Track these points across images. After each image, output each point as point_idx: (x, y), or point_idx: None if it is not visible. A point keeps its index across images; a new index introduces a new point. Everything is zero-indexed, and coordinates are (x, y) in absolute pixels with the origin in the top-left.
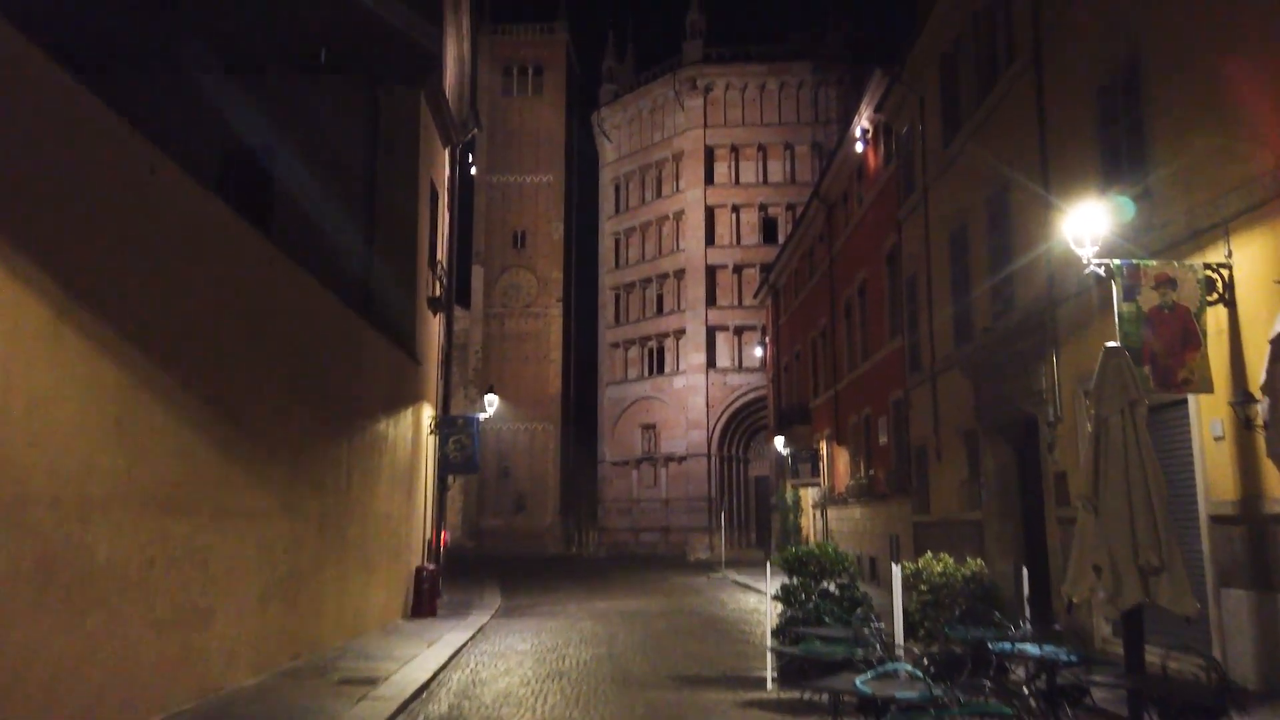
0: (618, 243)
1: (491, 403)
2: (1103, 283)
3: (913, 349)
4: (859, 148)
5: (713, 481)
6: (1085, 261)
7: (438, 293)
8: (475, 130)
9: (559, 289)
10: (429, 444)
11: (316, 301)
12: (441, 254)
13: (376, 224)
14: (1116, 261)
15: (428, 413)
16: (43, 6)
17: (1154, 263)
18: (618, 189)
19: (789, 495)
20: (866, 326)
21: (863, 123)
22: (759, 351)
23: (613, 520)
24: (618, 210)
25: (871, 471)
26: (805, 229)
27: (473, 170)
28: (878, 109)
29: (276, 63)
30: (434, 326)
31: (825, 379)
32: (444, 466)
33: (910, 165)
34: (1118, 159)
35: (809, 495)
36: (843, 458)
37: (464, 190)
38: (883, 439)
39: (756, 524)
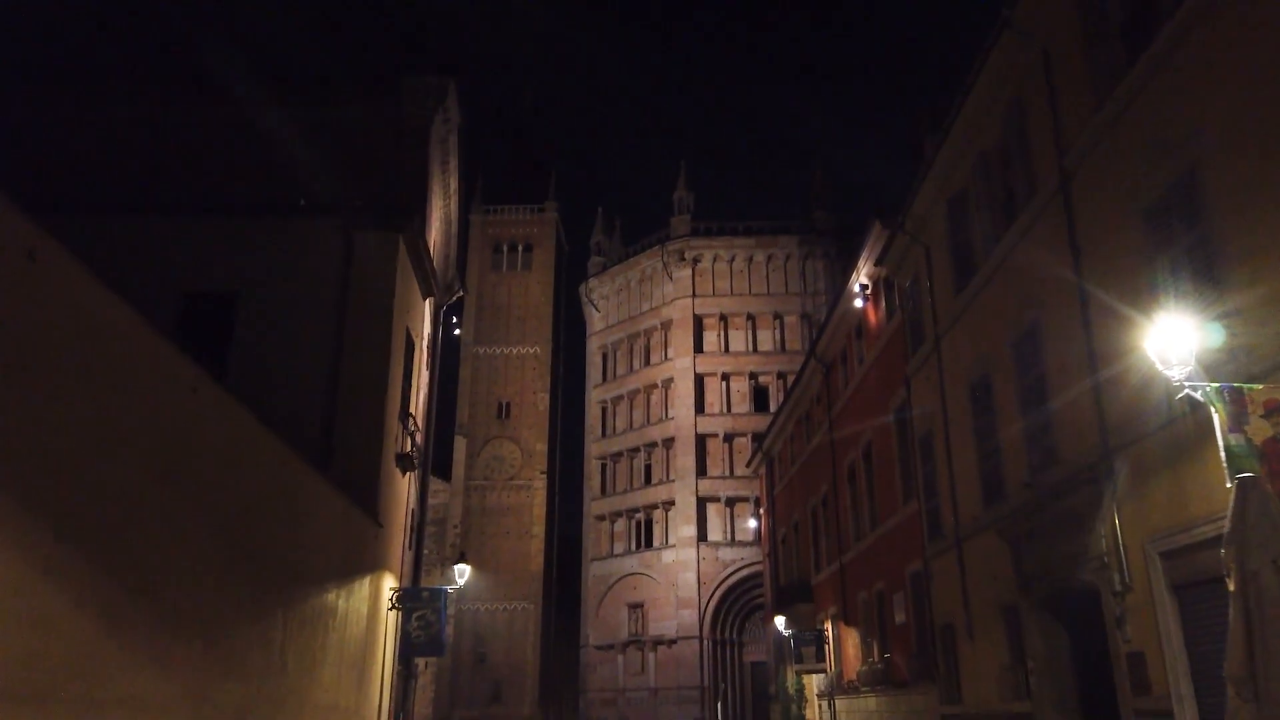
0: (605, 411)
1: (462, 573)
2: (1186, 417)
3: (931, 513)
4: (858, 303)
5: (705, 668)
6: (1178, 383)
7: (409, 449)
8: (460, 293)
9: (543, 461)
10: (389, 620)
11: (255, 443)
12: (417, 409)
13: (342, 370)
14: (1215, 385)
15: (389, 584)
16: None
17: (1260, 386)
18: (605, 358)
19: (791, 683)
20: (874, 492)
21: (861, 278)
22: (753, 523)
23: (596, 712)
24: (605, 379)
25: (887, 655)
26: (801, 391)
27: (456, 331)
28: (878, 262)
29: (250, 204)
30: (403, 487)
31: (829, 551)
32: (405, 647)
33: (918, 317)
34: (1178, 282)
35: (814, 683)
36: (852, 639)
37: (449, 358)
38: (899, 617)
39: (754, 716)
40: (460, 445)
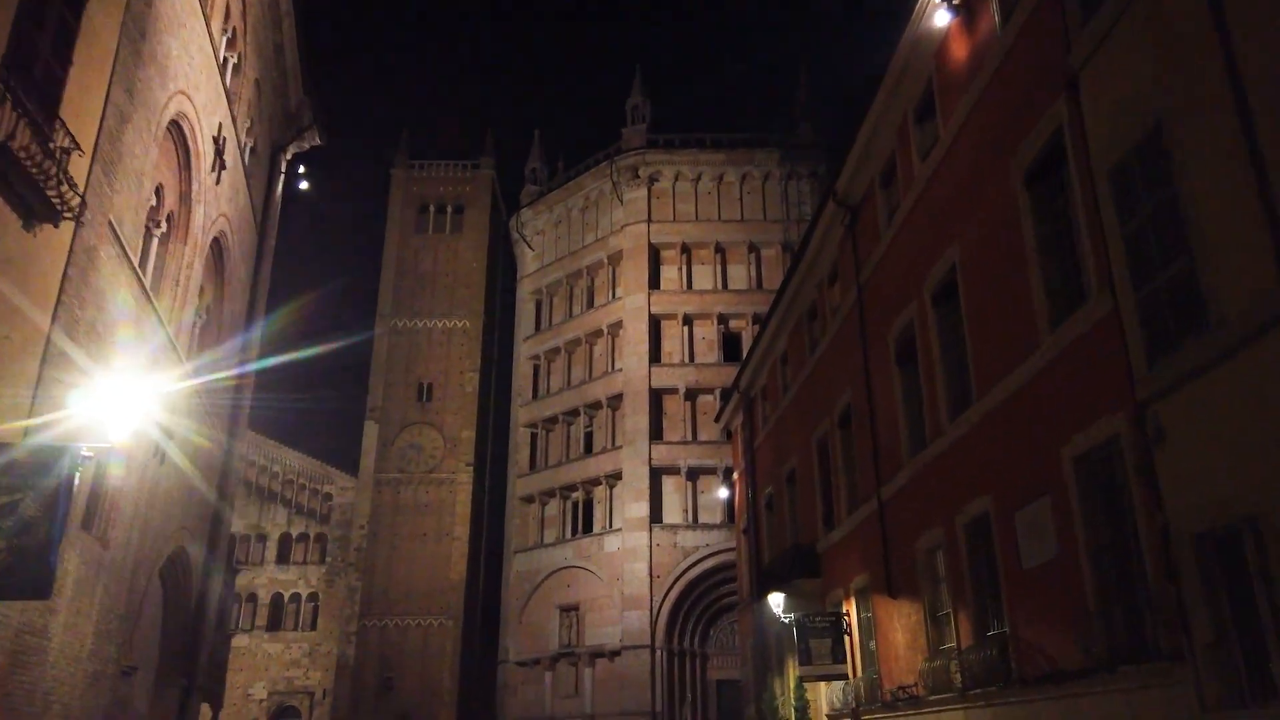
0: (536, 369)
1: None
2: None
3: (1162, 303)
4: (939, 23)
5: (658, 687)
6: None
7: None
8: (316, 142)
9: (470, 451)
10: None
11: None
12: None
13: None
14: None
15: None
16: None
17: None
18: (539, 305)
19: (785, 699)
20: (973, 342)
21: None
22: (722, 494)
23: None
24: (539, 328)
25: (1002, 631)
26: (803, 276)
27: (303, 185)
28: None
29: None
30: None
31: (850, 495)
32: None
33: None
34: None
35: (825, 697)
36: (903, 619)
37: (361, 338)
38: (1037, 552)
39: None
40: (370, 432)
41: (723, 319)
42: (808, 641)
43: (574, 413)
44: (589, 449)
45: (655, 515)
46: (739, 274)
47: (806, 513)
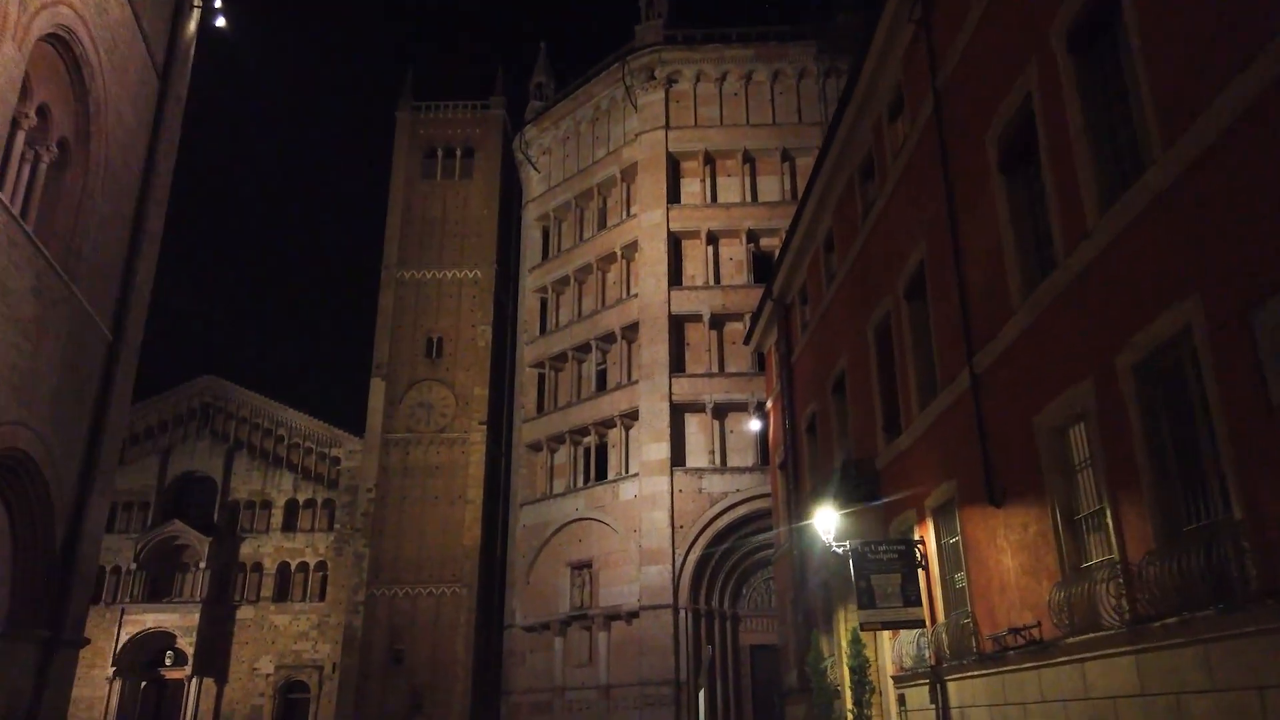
0: (544, 303)
1: None
2: None
3: None
4: None
5: (683, 653)
6: None
7: None
8: None
9: (483, 409)
10: None
11: None
12: None
13: None
14: None
15: None
16: None
17: None
18: (546, 232)
19: (839, 655)
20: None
21: None
22: (754, 426)
23: None
24: (546, 256)
25: (1238, 514)
26: (857, 114)
27: (220, 22)
28: None
29: None
30: None
31: (927, 381)
32: None
33: None
34: None
35: (891, 650)
36: (1014, 535)
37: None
38: None
39: None
40: (377, 390)
41: (753, 236)
42: (868, 579)
43: (585, 348)
44: (602, 386)
45: (677, 458)
46: (771, 185)
47: (861, 425)
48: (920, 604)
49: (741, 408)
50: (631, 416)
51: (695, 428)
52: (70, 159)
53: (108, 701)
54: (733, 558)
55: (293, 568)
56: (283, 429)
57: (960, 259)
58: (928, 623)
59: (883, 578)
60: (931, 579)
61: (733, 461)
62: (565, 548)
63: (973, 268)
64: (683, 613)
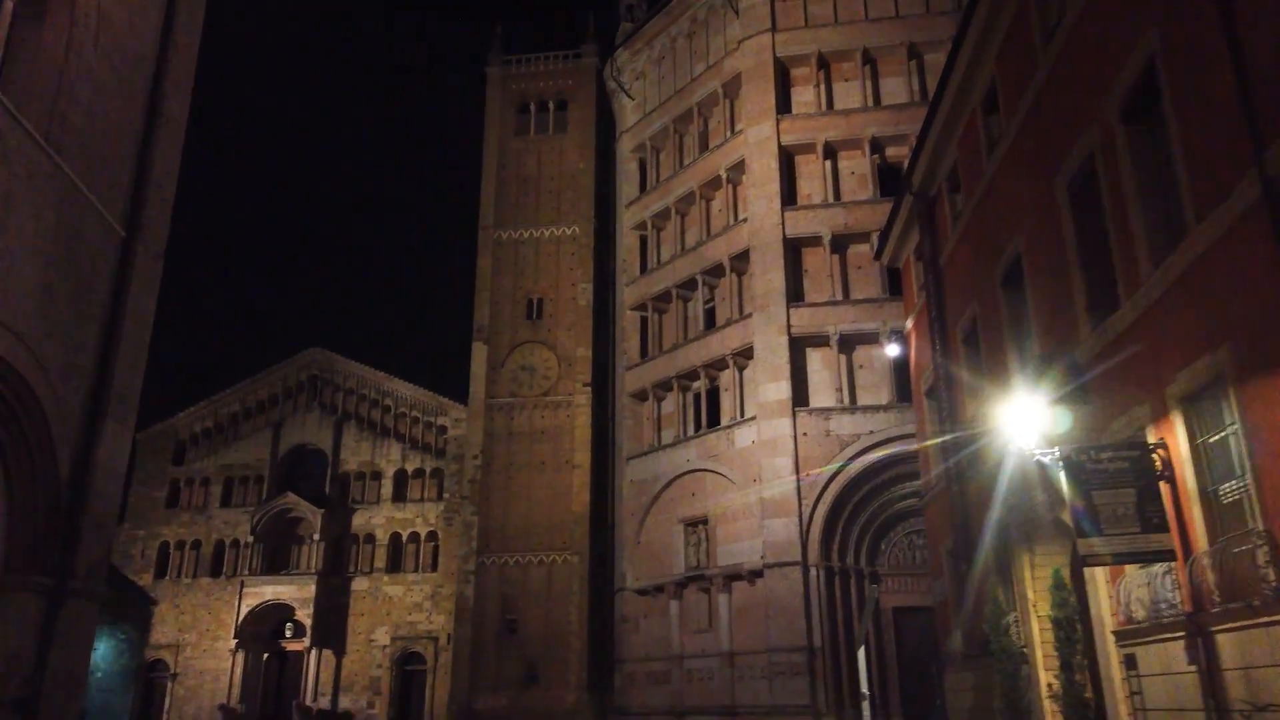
0: (644, 241)
1: None
2: None
3: None
4: None
5: (816, 617)
6: None
7: None
8: None
9: (586, 370)
10: None
11: None
12: None
13: None
14: None
15: None
16: None
17: None
18: (643, 164)
19: (1028, 609)
20: None
21: None
22: (890, 352)
23: (639, 695)
24: (643, 190)
25: None
26: None
27: None
28: None
29: None
30: None
31: (1168, 223)
32: None
33: None
34: None
35: (1120, 594)
36: None
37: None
38: None
39: (903, 699)
40: (479, 354)
41: (877, 145)
42: (1089, 497)
43: (690, 284)
44: (710, 324)
45: (799, 398)
46: (896, 87)
47: (1051, 313)
48: (1166, 528)
49: (871, 338)
50: (745, 355)
51: (818, 363)
52: (49, 7)
53: (231, 673)
54: (868, 509)
55: (404, 538)
56: (389, 399)
57: (1232, 22)
58: (1179, 555)
59: (1109, 495)
60: (1182, 494)
61: (864, 400)
62: (677, 503)
63: (1254, 31)
64: (813, 571)
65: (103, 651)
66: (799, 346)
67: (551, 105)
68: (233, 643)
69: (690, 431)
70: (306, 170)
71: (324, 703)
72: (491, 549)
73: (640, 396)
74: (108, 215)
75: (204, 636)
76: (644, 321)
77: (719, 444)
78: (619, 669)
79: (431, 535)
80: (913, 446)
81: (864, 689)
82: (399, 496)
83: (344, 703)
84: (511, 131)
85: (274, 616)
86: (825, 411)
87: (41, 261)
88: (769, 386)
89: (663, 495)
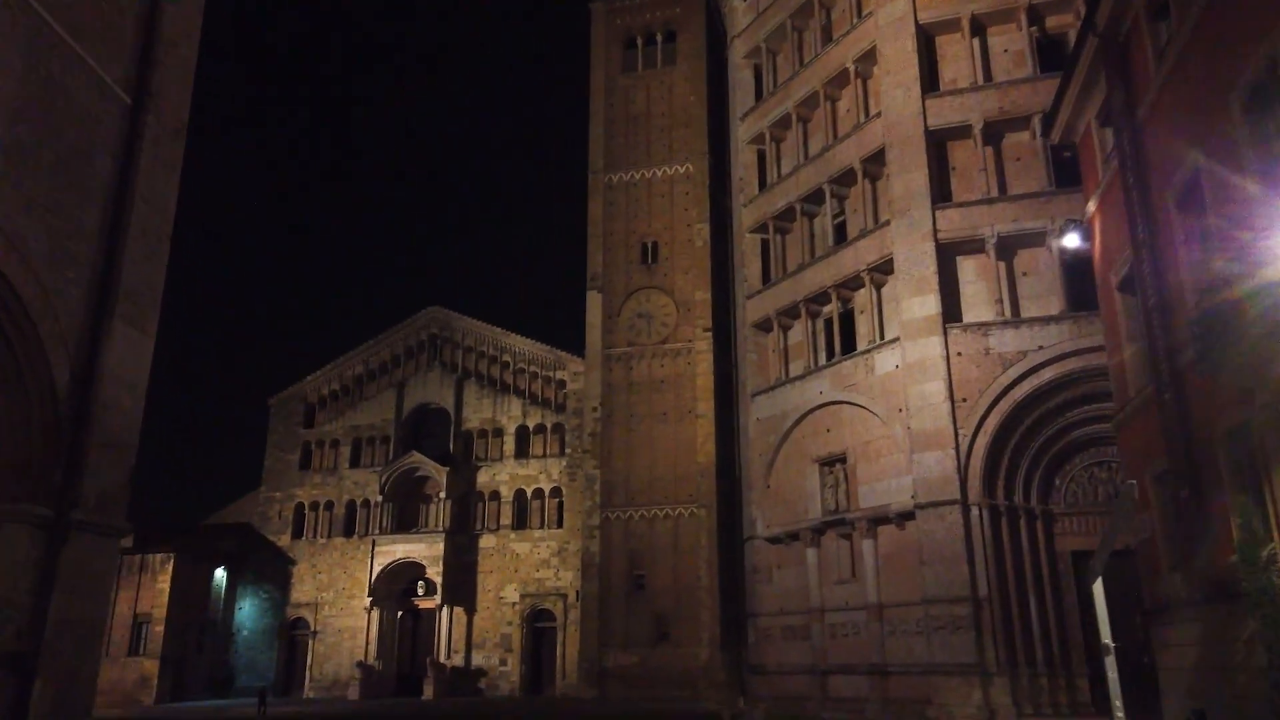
0: (761, 155)
1: None
2: None
3: None
4: None
5: (981, 562)
6: None
7: None
8: None
9: (706, 314)
10: None
11: None
12: None
13: None
14: None
15: None
16: None
17: None
18: (758, 69)
19: None
20: None
21: None
22: (1069, 243)
23: (775, 652)
24: (759, 98)
25: None
26: None
27: None
28: None
29: None
30: None
31: None
32: None
33: None
34: None
35: None
36: None
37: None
38: None
39: (1088, 656)
40: (594, 303)
41: (1035, 15)
42: None
43: (815, 196)
44: (840, 239)
45: (951, 313)
46: None
47: None
48: None
49: (1035, 239)
50: (883, 269)
51: (972, 272)
52: None
53: (368, 631)
54: (1039, 438)
55: (528, 494)
56: (507, 355)
57: None
58: None
59: None
60: None
61: (1028, 311)
62: (810, 440)
63: None
64: (975, 511)
65: (247, 610)
66: (948, 255)
67: (659, 37)
68: (367, 601)
69: (821, 361)
70: (413, 127)
71: (457, 660)
72: (615, 503)
73: (764, 326)
74: (104, 75)
75: (340, 595)
76: (765, 245)
77: (856, 372)
78: (752, 624)
79: (555, 491)
80: (1094, 361)
81: (1107, 639)
82: (521, 453)
83: (477, 660)
84: (618, 68)
85: (406, 575)
86: (982, 327)
87: (5, 115)
88: (914, 302)
89: (793, 433)
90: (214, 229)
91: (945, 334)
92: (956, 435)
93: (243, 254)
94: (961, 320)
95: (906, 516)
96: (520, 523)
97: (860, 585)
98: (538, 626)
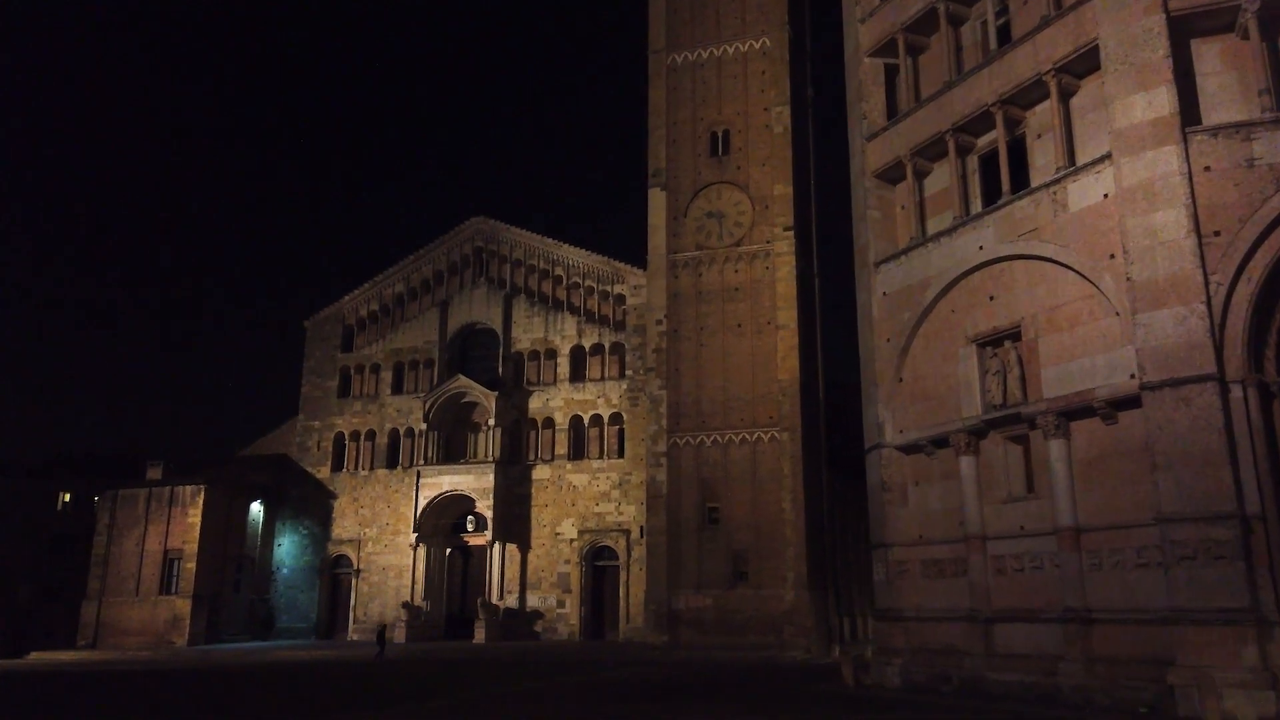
0: None
1: None
2: None
3: None
4: None
5: (1247, 460)
6: None
7: None
8: None
9: (787, 210)
10: None
11: None
12: None
13: None
14: None
15: None
16: None
17: None
18: None
19: None
20: None
21: None
22: None
23: (913, 593)
24: None
25: None
26: None
27: None
28: None
29: None
30: None
31: None
32: None
33: None
34: None
35: None
36: None
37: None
38: None
39: None
40: (657, 203)
41: None
42: None
43: None
44: (1004, 38)
45: (1189, 115)
46: None
47: None
48: None
49: None
50: (1079, 67)
51: (1216, 59)
52: None
53: (414, 569)
54: None
55: (585, 421)
56: (559, 269)
57: None
58: None
59: None
60: None
61: None
62: (964, 314)
63: None
64: (1237, 389)
65: (286, 547)
66: (1180, 32)
67: None
68: (413, 537)
69: (978, 207)
70: (448, 21)
71: (511, 601)
72: (684, 428)
73: (891, 176)
74: None
75: (384, 531)
76: (890, 70)
77: (1037, 213)
78: (880, 556)
79: (615, 418)
80: None
81: None
82: (577, 376)
83: (532, 601)
84: None
85: (454, 509)
86: (1241, 129)
87: None
88: (1134, 101)
89: (938, 306)
90: (240, 134)
91: (1185, 141)
92: (1207, 284)
93: (273, 163)
94: (1201, 122)
95: (1124, 403)
96: (577, 452)
97: (1044, 503)
98: (598, 565)
